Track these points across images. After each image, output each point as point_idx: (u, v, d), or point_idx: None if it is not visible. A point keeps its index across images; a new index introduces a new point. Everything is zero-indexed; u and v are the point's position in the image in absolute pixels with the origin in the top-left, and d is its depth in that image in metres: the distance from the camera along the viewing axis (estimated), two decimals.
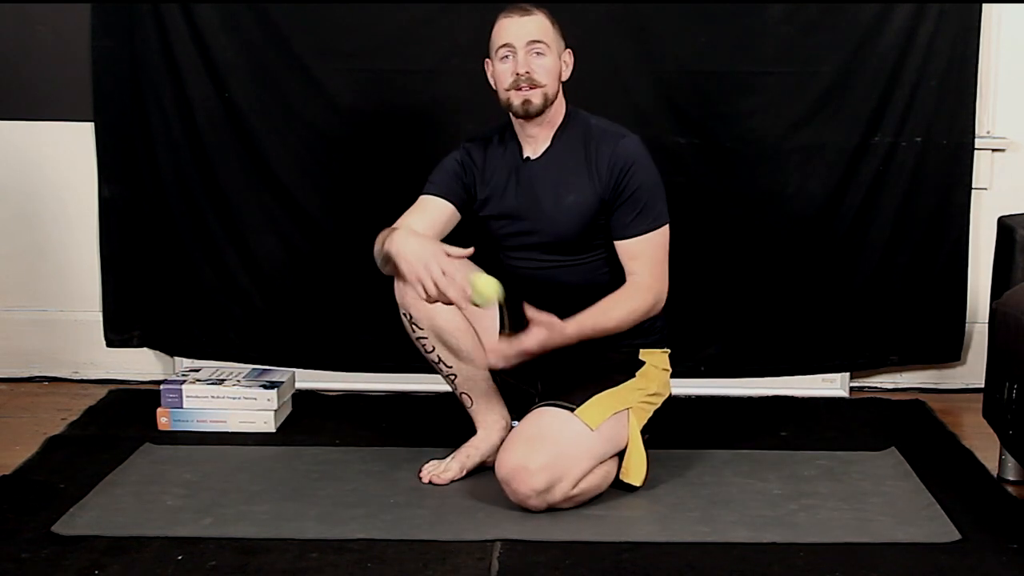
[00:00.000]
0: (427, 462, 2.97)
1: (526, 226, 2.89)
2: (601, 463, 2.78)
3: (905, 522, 2.71)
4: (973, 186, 3.59)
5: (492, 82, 2.87)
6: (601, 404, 2.78)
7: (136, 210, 3.65)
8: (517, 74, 2.78)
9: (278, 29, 3.50)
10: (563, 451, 2.70)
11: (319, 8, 3.49)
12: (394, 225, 2.83)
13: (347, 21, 3.50)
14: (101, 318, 3.72)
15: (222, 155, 3.58)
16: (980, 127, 3.60)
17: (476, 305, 2.60)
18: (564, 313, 2.90)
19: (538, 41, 2.78)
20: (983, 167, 3.62)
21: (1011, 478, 2.98)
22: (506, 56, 2.80)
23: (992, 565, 2.50)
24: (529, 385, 2.99)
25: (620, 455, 2.82)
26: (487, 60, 2.87)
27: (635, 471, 2.82)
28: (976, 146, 3.58)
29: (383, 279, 3.01)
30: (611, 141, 2.83)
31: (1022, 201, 3.50)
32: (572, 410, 2.76)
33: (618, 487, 2.82)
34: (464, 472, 2.93)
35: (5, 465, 3.02)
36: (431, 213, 2.89)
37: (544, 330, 2.65)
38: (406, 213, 2.90)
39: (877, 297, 3.62)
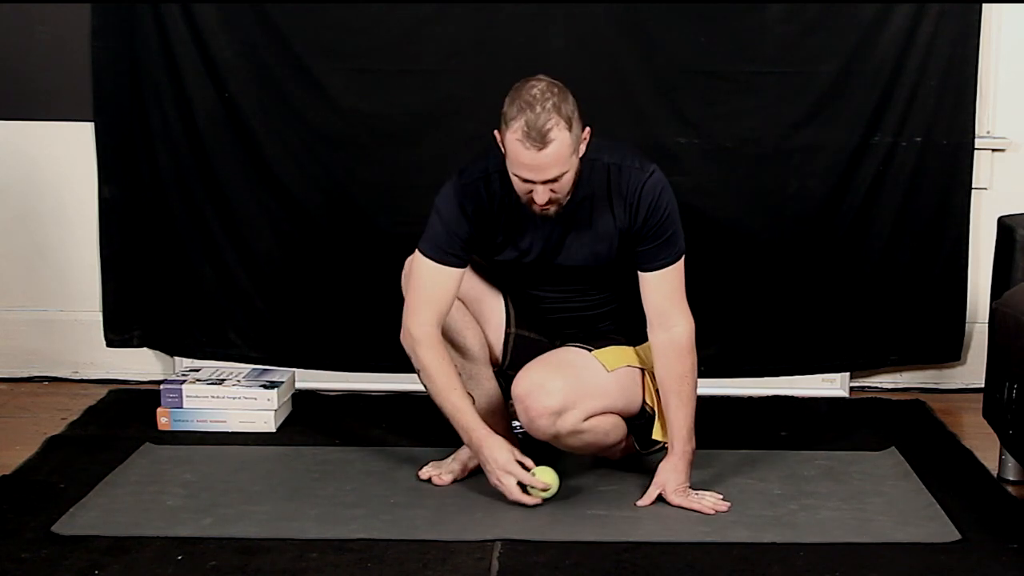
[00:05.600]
0: (427, 463, 2.96)
1: (546, 269, 2.85)
2: (612, 413, 2.82)
3: (905, 522, 2.71)
4: (973, 186, 3.59)
5: (503, 151, 2.67)
6: (618, 352, 2.85)
7: (136, 210, 3.64)
8: (536, 203, 2.66)
9: (278, 29, 3.49)
10: (580, 380, 2.76)
11: (319, 8, 3.49)
12: (413, 320, 2.76)
13: (347, 21, 3.50)
14: (101, 318, 3.71)
15: (222, 155, 3.57)
16: (980, 127, 3.60)
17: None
18: (569, 333, 2.92)
19: (557, 177, 2.62)
20: (983, 167, 3.62)
21: (1011, 478, 2.99)
22: (524, 181, 2.63)
23: (992, 565, 2.50)
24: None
25: (633, 428, 2.86)
26: (497, 132, 2.64)
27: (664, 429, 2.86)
28: (976, 146, 3.58)
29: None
30: (636, 178, 2.74)
31: (1022, 201, 3.50)
32: (590, 351, 2.82)
33: (650, 450, 2.90)
34: (466, 472, 2.93)
35: (5, 465, 3.02)
36: (449, 293, 2.78)
37: (664, 479, 2.78)
38: (424, 299, 2.76)
39: (877, 297, 3.62)
